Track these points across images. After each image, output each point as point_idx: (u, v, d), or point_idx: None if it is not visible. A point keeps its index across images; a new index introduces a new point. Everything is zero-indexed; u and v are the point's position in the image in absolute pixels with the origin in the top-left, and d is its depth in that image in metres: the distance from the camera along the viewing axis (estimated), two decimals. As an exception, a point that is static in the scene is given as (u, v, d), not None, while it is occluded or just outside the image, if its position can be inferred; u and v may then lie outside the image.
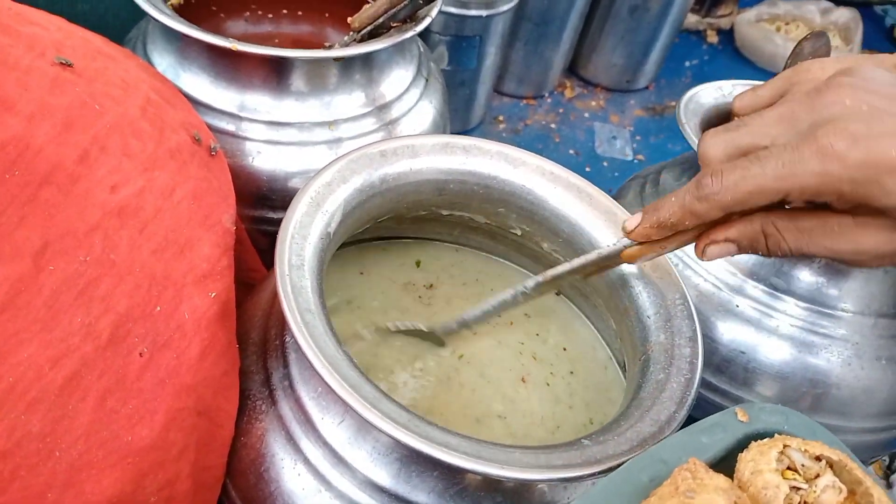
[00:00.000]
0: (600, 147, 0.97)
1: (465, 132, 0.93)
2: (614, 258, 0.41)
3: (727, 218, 0.35)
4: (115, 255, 0.33)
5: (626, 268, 0.45)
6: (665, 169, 0.61)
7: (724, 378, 0.51)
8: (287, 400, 0.39)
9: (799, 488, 0.28)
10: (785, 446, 0.29)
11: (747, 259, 0.51)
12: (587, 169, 0.92)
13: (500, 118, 0.98)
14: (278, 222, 0.56)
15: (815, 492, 0.28)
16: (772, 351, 0.49)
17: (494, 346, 0.52)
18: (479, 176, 0.48)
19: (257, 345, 0.42)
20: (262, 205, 0.55)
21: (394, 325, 0.49)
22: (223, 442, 0.39)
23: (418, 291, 0.53)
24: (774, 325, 0.49)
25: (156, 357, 0.33)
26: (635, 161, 0.96)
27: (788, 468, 0.29)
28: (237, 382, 0.39)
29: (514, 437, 0.47)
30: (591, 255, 0.42)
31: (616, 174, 0.93)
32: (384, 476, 0.37)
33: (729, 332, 0.50)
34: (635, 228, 0.38)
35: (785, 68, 0.58)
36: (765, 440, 0.30)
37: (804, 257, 0.49)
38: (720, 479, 0.27)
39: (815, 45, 0.55)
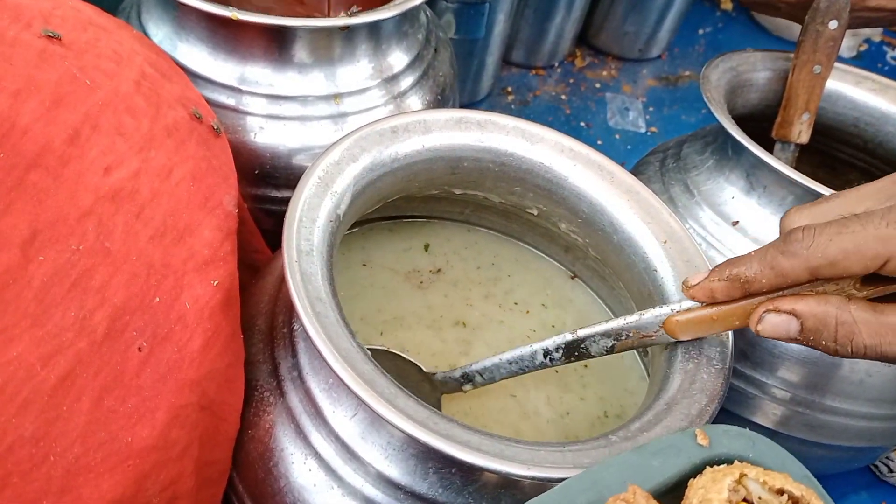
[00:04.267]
0: (612, 119, 0.94)
1: (472, 104, 0.90)
2: (655, 328, 0.36)
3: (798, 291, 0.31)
4: (110, 243, 0.31)
5: (650, 250, 0.43)
6: (686, 143, 0.59)
7: (748, 363, 0.49)
8: (296, 391, 0.37)
9: None
10: (742, 475, 0.26)
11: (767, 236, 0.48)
12: (599, 142, 0.90)
13: (509, 89, 0.94)
14: (281, 201, 0.54)
15: None
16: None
17: (500, 327, 0.50)
18: (495, 153, 0.46)
19: (264, 333, 0.40)
20: (264, 183, 0.52)
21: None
22: (228, 436, 0.37)
23: (421, 277, 0.51)
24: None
25: (156, 351, 0.31)
26: (648, 133, 0.93)
27: (745, 500, 0.26)
28: (242, 374, 0.37)
29: (525, 414, 0.45)
30: (631, 318, 0.36)
31: (629, 147, 0.90)
32: (399, 472, 0.35)
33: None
34: (699, 283, 0.33)
35: (803, 26, 0.55)
36: (721, 466, 0.27)
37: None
38: None
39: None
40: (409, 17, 0.56)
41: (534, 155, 0.46)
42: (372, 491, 0.35)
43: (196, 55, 0.50)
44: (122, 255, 0.31)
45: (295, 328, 0.39)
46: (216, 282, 0.34)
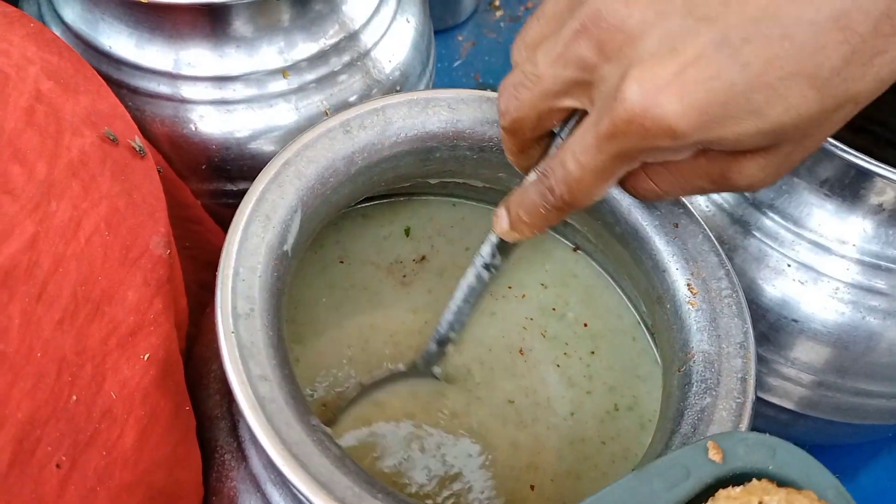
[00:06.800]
0: (612, 30, 0.84)
1: (455, 27, 0.81)
2: None
3: None
4: (6, 345, 0.26)
5: (663, 249, 0.37)
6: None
7: (770, 347, 0.44)
8: (259, 455, 0.33)
9: None
10: (760, 502, 0.23)
11: (795, 209, 0.42)
12: (598, 59, 0.81)
13: (497, 3, 0.85)
14: (239, 194, 0.47)
15: None
16: (826, 314, 0.42)
17: (492, 321, 0.45)
18: (471, 138, 0.39)
19: (221, 381, 0.35)
20: (217, 177, 0.46)
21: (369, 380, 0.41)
22: (191, 507, 0.33)
23: (404, 270, 0.45)
24: (833, 287, 0.41)
25: (79, 463, 0.26)
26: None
27: None
28: (195, 447, 0.33)
29: (523, 423, 0.42)
30: None
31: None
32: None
33: (776, 294, 0.43)
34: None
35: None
36: (737, 489, 0.24)
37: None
38: None
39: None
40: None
41: (518, 136, 0.39)
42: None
43: (118, 38, 0.42)
44: (22, 356, 0.26)
45: (254, 378, 0.34)
46: (147, 355, 0.29)
